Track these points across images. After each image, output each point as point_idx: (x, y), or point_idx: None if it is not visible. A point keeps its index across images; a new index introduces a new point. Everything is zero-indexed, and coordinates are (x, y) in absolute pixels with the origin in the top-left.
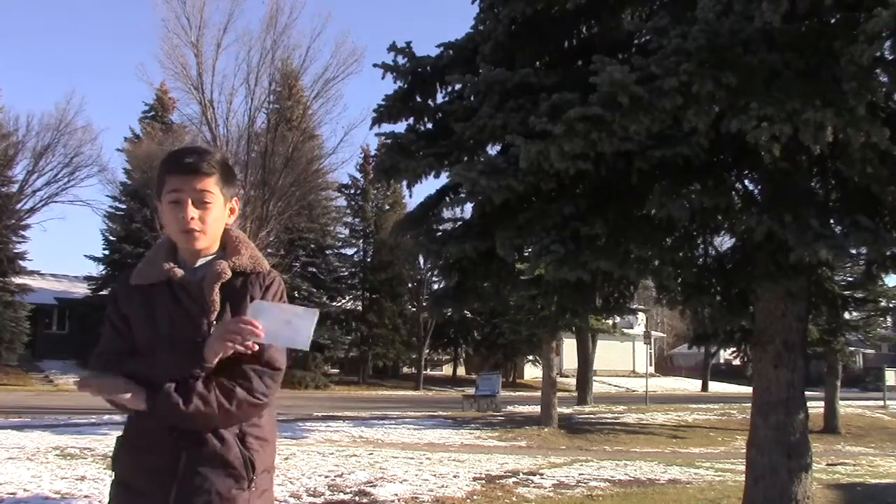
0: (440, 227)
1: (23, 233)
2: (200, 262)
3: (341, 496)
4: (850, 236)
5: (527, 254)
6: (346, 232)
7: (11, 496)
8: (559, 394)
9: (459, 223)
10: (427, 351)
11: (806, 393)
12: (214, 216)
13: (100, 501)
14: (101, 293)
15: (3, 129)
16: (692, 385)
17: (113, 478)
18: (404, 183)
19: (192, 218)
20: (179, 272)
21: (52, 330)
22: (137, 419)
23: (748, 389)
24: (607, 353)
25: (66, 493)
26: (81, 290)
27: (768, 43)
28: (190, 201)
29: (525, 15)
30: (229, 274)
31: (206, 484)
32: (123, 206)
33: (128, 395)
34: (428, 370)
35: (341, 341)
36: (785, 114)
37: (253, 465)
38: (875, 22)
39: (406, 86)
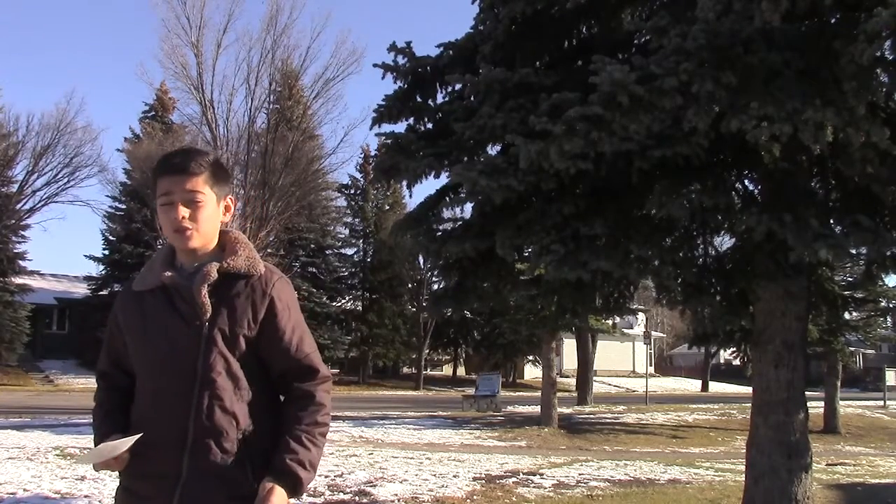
0: (440, 227)
1: (23, 233)
2: (198, 264)
3: (341, 496)
4: (850, 236)
5: (527, 254)
6: (346, 232)
7: (11, 496)
8: (559, 394)
9: (459, 223)
10: (427, 351)
11: (806, 393)
12: (206, 215)
13: (100, 501)
14: (101, 293)
15: (3, 129)
16: (692, 385)
17: (119, 482)
18: (404, 183)
19: (183, 217)
20: (170, 275)
21: (52, 330)
22: (138, 427)
23: (748, 389)
24: (607, 353)
25: (66, 493)
26: (81, 290)
27: (768, 43)
28: (180, 202)
29: (525, 15)
30: (215, 275)
31: (210, 490)
32: (123, 206)
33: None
34: (428, 370)
35: (341, 341)
36: (785, 114)
37: (255, 471)
38: (875, 22)
39: (406, 86)
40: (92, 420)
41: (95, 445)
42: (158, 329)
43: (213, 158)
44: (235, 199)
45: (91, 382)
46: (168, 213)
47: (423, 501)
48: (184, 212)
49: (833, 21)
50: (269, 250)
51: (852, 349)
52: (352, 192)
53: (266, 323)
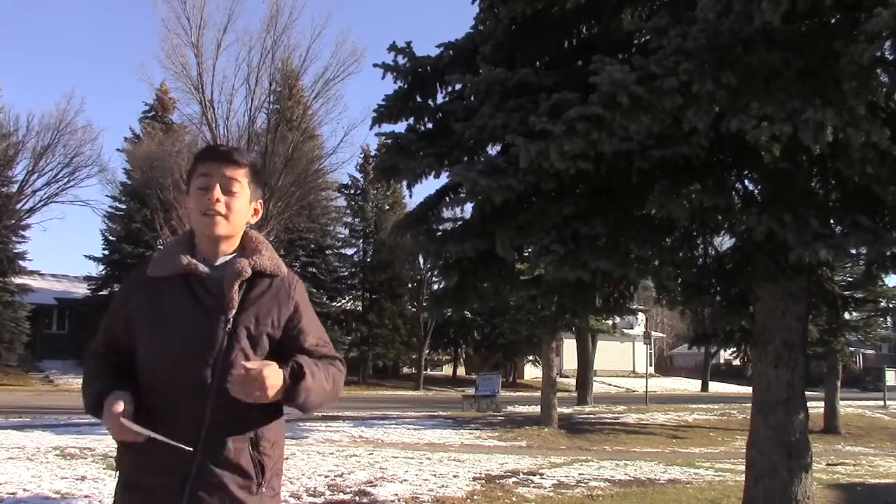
0: (440, 227)
1: (23, 233)
2: (220, 260)
3: (341, 496)
4: (850, 236)
5: (527, 254)
6: (346, 232)
7: (11, 496)
8: (559, 394)
9: (459, 223)
10: (427, 351)
11: (806, 393)
12: (239, 206)
13: (100, 501)
14: (101, 293)
15: (3, 129)
16: (692, 385)
17: (118, 479)
18: (404, 183)
19: (218, 200)
20: (202, 267)
21: (52, 330)
22: (149, 420)
23: (748, 389)
24: (607, 353)
25: (66, 493)
26: (81, 290)
27: (768, 43)
28: (218, 185)
29: (525, 15)
30: (249, 272)
31: (220, 486)
32: (123, 206)
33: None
34: (428, 370)
35: (341, 341)
36: (785, 114)
37: (264, 469)
38: (875, 22)
39: (406, 86)
40: (82, 386)
41: (89, 396)
42: (176, 319)
43: (256, 160)
44: (263, 204)
45: None
46: (201, 196)
47: (423, 501)
48: (219, 194)
49: (833, 21)
50: None
51: (852, 349)
52: (352, 192)
53: (290, 324)
